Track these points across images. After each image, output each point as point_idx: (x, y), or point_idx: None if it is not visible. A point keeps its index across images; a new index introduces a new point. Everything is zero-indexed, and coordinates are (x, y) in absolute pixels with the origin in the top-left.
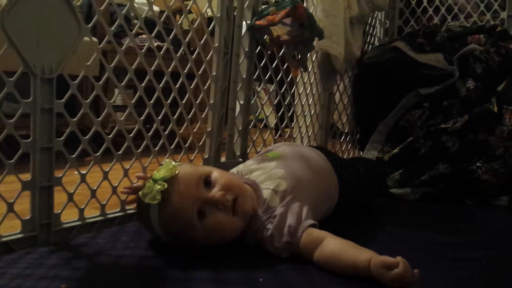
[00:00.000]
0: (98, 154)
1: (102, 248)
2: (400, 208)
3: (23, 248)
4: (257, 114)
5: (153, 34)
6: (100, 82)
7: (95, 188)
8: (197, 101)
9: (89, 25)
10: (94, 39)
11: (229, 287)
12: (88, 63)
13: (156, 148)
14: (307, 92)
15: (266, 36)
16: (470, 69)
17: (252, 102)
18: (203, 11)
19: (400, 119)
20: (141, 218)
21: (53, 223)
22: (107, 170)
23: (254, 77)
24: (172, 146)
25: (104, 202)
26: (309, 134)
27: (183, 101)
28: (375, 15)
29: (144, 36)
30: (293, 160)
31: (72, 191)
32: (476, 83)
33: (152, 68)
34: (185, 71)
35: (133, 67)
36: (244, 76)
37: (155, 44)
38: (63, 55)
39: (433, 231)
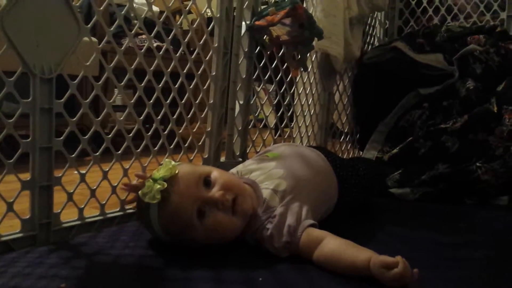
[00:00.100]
0: (97, 154)
1: (101, 248)
2: (400, 208)
3: (22, 247)
4: (256, 114)
5: (152, 34)
6: (99, 82)
7: (94, 187)
8: (197, 101)
9: (89, 25)
10: (94, 39)
11: (228, 287)
12: (87, 63)
13: (156, 148)
14: (307, 92)
15: (265, 36)
16: (470, 69)
17: (251, 102)
18: (203, 12)
19: (400, 119)
20: (141, 217)
21: (53, 223)
22: (107, 169)
23: (254, 77)
24: (171, 146)
25: (104, 202)
26: (309, 134)
27: (183, 101)
28: (375, 16)
29: (143, 36)
30: (293, 160)
31: (71, 191)
32: (476, 83)
33: (152, 68)
34: (185, 71)
35: (132, 67)
36: (244, 76)
37: (155, 44)
38: (62, 55)
39: (433, 231)
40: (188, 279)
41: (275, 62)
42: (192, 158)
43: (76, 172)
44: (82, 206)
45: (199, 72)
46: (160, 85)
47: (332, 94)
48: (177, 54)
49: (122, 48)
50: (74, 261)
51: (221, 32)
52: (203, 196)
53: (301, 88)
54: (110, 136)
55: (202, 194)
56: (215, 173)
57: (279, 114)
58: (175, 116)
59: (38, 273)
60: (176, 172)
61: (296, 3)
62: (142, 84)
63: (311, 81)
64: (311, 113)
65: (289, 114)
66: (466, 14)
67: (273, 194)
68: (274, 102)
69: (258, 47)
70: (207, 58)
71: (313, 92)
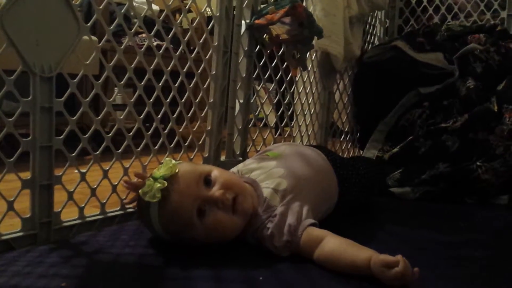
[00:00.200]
0: (97, 152)
1: (102, 247)
2: (400, 207)
3: (23, 246)
4: (256, 113)
5: (152, 33)
6: (99, 81)
7: (95, 186)
8: (197, 100)
9: (89, 24)
10: (94, 38)
11: (229, 286)
12: (87, 62)
13: (156, 147)
14: (307, 91)
15: (265, 35)
16: (470, 68)
17: (251, 101)
18: (203, 10)
19: (400, 118)
20: (141, 216)
21: (53, 222)
22: (107, 168)
23: (254, 76)
24: (171, 145)
25: (104, 201)
26: (309, 133)
27: (183, 100)
28: (375, 14)
29: (143, 35)
30: (293, 160)
31: (72, 190)
32: (476, 82)
33: (152, 67)
34: (185, 70)
35: (132, 66)
36: (244, 75)
37: (155, 43)
38: (62, 54)
39: (433, 230)
40: (188, 278)
41: (275, 61)
42: (192, 157)
43: (76, 171)
44: (83, 205)
45: (199, 71)
46: (160, 84)
47: (332, 93)
48: (177, 53)
49: (122, 47)
50: (74, 260)
51: (221, 31)
52: (203, 195)
53: (301, 87)
54: (110, 135)
55: (202, 193)
56: (216, 172)
57: (279, 113)
58: (175, 115)
59: (38, 272)
60: (177, 171)
61: (295, 2)
62: (142, 83)
63: (311, 80)
64: (311, 112)
65: (289, 113)
66: (467, 13)
67: (274, 194)
68: (274, 101)
69: (258, 46)
70: (207, 57)
71: (313, 91)
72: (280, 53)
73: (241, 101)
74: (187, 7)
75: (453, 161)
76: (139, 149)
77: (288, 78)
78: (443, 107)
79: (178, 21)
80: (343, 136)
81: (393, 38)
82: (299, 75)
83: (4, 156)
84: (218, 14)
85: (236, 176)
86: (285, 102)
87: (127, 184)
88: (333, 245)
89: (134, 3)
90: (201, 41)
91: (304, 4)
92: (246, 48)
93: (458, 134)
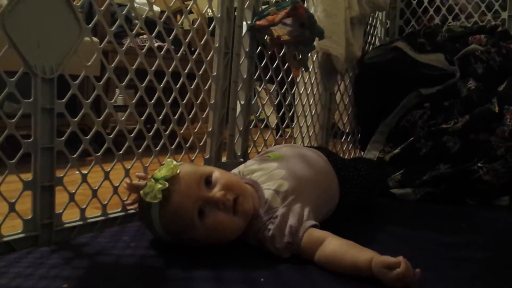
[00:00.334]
0: (99, 154)
1: (103, 248)
2: (401, 209)
3: (24, 247)
4: (258, 114)
5: (153, 34)
6: (101, 82)
7: (96, 188)
8: (198, 101)
9: (90, 25)
10: (95, 39)
11: (230, 287)
12: (89, 63)
13: (157, 148)
14: (308, 92)
15: (266, 36)
16: (471, 69)
17: (252, 102)
18: (204, 11)
19: (401, 119)
20: (143, 217)
21: (55, 223)
22: (108, 170)
23: (255, 77)
24: (173, 146)
25: (105, 202)
26: (310, 134)
27: (184, 101)
28: (376, 15)
29: (144, 36)
30: (295, 161)
31: (73, 191)
32: (477, 83)
33: (153, 68)
34: (186, 71)
35: (133, 67)
36: (245, 76)
37: (156, 44)
38: (64, 55)
39: (434, 231)
40: (189, 279)
41: (276, 62)
42: (193, 158)
43: (77, 172)
44: (84, 207)
45: (200, 72)
46: (161, 85)
47: (333, 94)
48: (178, 54)
49: (123, 48)
50: (75, 262)
51: (222, 32)
52: (204, 196)
53: (302, 88)
54: (111, 136)
55: (203, 194)
56: (217, 173)
57: (280, 114)
58: (176, 116)
59: (39, 273)
60: (178, 171)
61: (297, 2)
62: (143, 84)
63: (312, 81)
64: (312, 113)
65: (290, 114)
66: (467, 14)
67: (275, 195)
68: (275, 102)
69: (259, 47)
70: (208, 58)
71: (314, 92)
72: (281, 54)
73: (242, 102)
74: (188, 8)
75: (454, 162)
76: (140, 150)
77: (289, 79)
78: (444, 108)
79: (179, 22)
80: (344, 137)
81: (394, 39)
82: (300, 76)
83: (6, 158)
84: (219, 15)
85: (237, 177)
86: (286, 103)
87: (128, 186)
88: (334, 246)
89: (135, 4)
90: (202, 42)
91: (305, 5)
92: (247, 49)
93: (459, 135)
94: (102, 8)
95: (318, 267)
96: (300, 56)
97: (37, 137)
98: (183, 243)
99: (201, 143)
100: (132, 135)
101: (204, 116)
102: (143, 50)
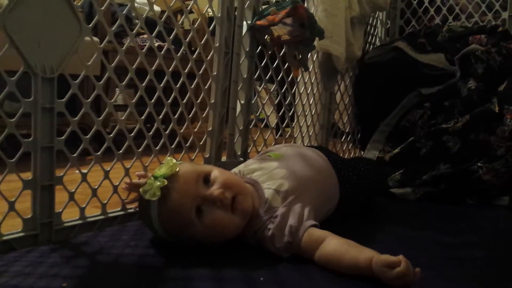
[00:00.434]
0: (99, 153)
1: (103, 247)
2: (401, 208)
3: (24, 246)
4: (258, 114)
5: (154, 34)
6: (101, 82)
7: (96, 187)
8: (198, 101)
9: (90, 25)
10: (95, 38)
11: (230, 286)
12: (89, 63)
13: (157, 148)
14: (308, 92)
15: (266, 36)
16: (471, 69)
17: (253, 101)
18: (204, 11)
19: (401, 119)
20: (142, 215)
21: (54, 222)
22: (108, 169)
23: (255, 76)
24: (173, 146)
25: (105, 201)
26: (310, 134)
27: (184, 101)
28: (377, 15)
29: (145, 36)
30: (295, 161)
31: (73, 190)
32: (478, 83)
33: (153, 68)
34: (186, 70)
35: (134, 66)
36: (245, 76)
37: (156, 44)
38: (64, 54)
39: (434, 231)
40: (189, 279)
41: (276, 61)
42: (193, 157)
43: (77, 171)
44: (84, 206)
45: (200, 72)
46: (161, 85)
47: (333, 93)
48: (179, 54)
49: (124, 47)
50: (75, 261)
51: (222, 32)
52: (202, 194)
53: (302, 88)
54: (111, 135)
55: (201, 191)
56: (216, 171)
57: (280, 113)
58: (176, 116)
59: (39, 272)
60: (177, 170)
61: (297, 2)
62: (144, 84)
63: (312, 81)
64: (312, 113)
65: (290, 113)
66: (468, 14)
67: (275, 195)
68: (275, 102)
69: (259, 47)
70: (208, 58)
71: (314, 92)
72: (281, 54)
73: (242, 101)
74: (188, 8)
75: (454, 162)
76: (140, 149)
77: (289, 79)
78: (444, 108)
79: (180, 22)
80: (344, 137)
81: (394, 39)
82: (300, 76)
83: (6, 157)
84: (219, 15)
85: (237, 176)
86: (286, 102)
87: (129, 184)
88: (334, 245)
89: (136, 4)
90: (202, 42)
91: (305, 5)
92: (247, 49)
93: (459, 135)
94: (103, 7)
95: (318, 267)
96: (300, 56)
97: (37, 136)
98: (182, 242)
99: (201, 143)
100: (132, 134)
101: (204, 115)
102: (144, 50)
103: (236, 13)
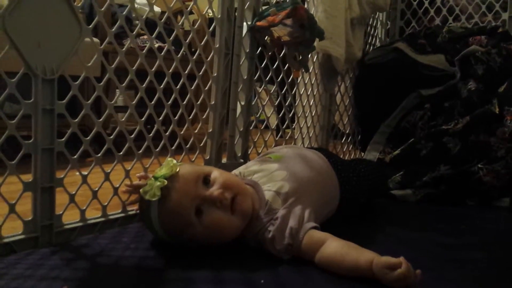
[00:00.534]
0: (99, 155)
1: (103, 249)
2: (401, 210)
3: (24, 249)
4: (258, 115)
5: (154, 35)
6: (101, 83)
7: (96, 189)
8: (198, 102)
9: (90, 26)
10: (95, 40)
11: None
12: (89, 64)
13: (157, 149)
14: (308, 93)
15: (267, 37)
16: (471, 70)
17: (253, 103)
18: (204, 12)
19: (401, 120)
20: (143, 217)
21: (55, 224)
22: (109, 171)
23: (255, 78)
24: (173, 147)
25: (106, 203)
26: (310, 135)
27: (184, 102)
28: (377, 16)
29: (145, 37)
30: (295, 162)
31: (73, 192)
32: (478, 84)
33: (153, 69)
34: (186, 72)
35: (134, 68)
36: (245, 77)
37: (156, 45)
38: (64, 56)
39: (435, 233)
40: (189, 281)
41: (277, 62)
42: (193, 159)
43: (78, 173)
44: (84, 208)
45: (201, 73)
46: (161, 86)
47: (334, 95)
48: (179, 55)
49: (124, 48)
50: (75, 263)
51: (223, 33)
52: (201, 194)
53: (303, 89)
54: (111, 137)
55: (201, 192)
56: (216, 172)
57: (280, 115)
58: (176, 117)
59: (39, 274)
60: (177, 170)
61: (297, 3)
62: (144, 85)
63: (313, 82)
64: (313, 114)
65: (290, 115)
66: (468, 15)
67: (276, 196)
68: (276, 103)
69: (260, 48)
70: (208, 59)
71: (315, 93)
72: (281, 55)
73: (243, 103)
74: (188, 9)
75: (455, 163)
76: (140, 151)
77: (289, 80)
78: (445, 109)
79: (180, 23)
80: (344, 138)
81: (394, 40)
82: (300, 77)
83: (6, 159)
84: (219, 16)
85: (237, 178)
86: (287, 104)
87: (129, 186)
88: (334, 247)
89: (136, 5)
90: (202, 43)
91: (305, 6)
92: (247, 50)
93: (459, 136)
94: (103, 8)
95: (319, 269)
96: (300, 57)
97: (37, 138)
98: (182, 243)
99: (201, 144)
100: (133, 136)
101: (204, 117)
102: (144, 51)
103: (236, 14)
